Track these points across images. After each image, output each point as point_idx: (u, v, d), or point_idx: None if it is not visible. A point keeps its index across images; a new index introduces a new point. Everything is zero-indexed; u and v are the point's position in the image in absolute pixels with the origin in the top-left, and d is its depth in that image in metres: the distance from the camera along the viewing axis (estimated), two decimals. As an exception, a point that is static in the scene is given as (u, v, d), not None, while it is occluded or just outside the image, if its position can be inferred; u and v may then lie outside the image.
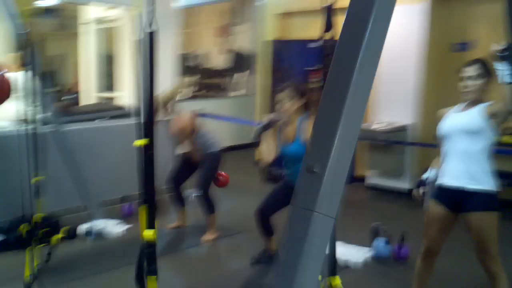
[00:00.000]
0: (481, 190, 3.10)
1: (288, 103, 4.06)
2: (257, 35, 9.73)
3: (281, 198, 4.28)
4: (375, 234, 4.68)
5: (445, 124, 3.23)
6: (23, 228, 4.20)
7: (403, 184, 6.51)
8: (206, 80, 9.97)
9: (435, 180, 3.36)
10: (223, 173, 5.20)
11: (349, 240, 4.88)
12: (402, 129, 6.35)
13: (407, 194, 6.47)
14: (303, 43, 7.19)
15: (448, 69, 6.38)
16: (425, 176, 3.42)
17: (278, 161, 4.29)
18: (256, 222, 4.42)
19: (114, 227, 5.38)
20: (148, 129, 3.41)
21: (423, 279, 3.46)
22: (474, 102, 3.15)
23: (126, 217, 5.79)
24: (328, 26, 2.27)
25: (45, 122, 5.66)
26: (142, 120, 3.70)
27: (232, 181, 5.32)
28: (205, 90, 9.91)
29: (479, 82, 3.11)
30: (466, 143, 3.10)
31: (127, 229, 5.40)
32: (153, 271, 2.49)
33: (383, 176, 6.69)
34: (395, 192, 6.56)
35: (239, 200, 6.26)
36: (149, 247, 2.48)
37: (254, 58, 10.12)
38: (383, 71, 6.58)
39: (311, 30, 7.81)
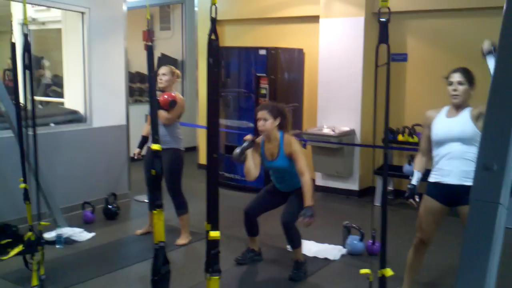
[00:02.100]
0: None
1: (269, 122, 4.34)
2: (190, 41, 9.81)
3: (268, 201, 4.59)
4: (348, 232, 5.00)
5: (440, 130, 3.56)
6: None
7: (352, 185, 6.94)
8: (137, 84, 9.87)
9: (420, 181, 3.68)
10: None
11: (317, 239, 5.20)
12: (350, 133, 6.77)
13: (356, 193, 6.93)
14: (243, 50, 7.38)
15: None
16: (413, 182, 3.67)
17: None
18: (244, 222, 4.60)
19: (80, 235, 5.27)
20: (155, 131, 3.47)
21: (415, 269, 3.81)
22: (459, 106, 3.52)
23: (88, 223, 5.69)
24: (383, 39, 2.47)
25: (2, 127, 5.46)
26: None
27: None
28: (137, 94, 9.82)
29: (465, 87, 3.50)
30: (462, 147, 3.45)
31: (94, 236, 5.32)
32: (218, 271, 2.57)
33: (330, 178, 7.07)
34: (344, 192, 6.97)
35: (194, 204, 6.29)
36: (215, 248, 2.56)
37: (184, 63, 10.19)
38: (330, 79, 6.99)
39: (244, 38, 8.09)
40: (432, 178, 3.63)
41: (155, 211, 3.17)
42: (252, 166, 4.36)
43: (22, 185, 4.04)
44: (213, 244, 2.58)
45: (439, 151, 3.58)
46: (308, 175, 4.24)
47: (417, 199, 3.63)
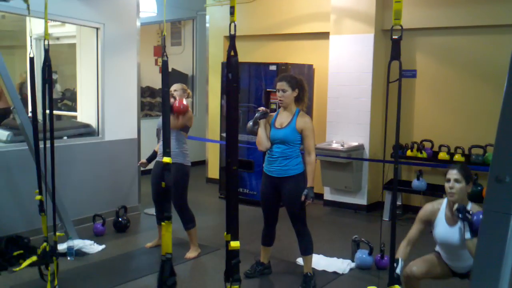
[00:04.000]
0: None
1: (288, 93, 4.39)
2: (200, 56, 9.93)
3: (271, 202, 4.56)
4: (357, 246, 5.03)
5: (440, 236, 3.56)
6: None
7: (360, 200, 6.97)
8: (147, 99, 9.97)
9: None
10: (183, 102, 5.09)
11: (326, 253, 5.22)
12: (359, 148, 6.82)
13: (364, 208, 6.96)
14: (254, 66, 7.46)
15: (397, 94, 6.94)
16: (397, 271, 3.40)
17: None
18: (263, 231, 4.69)
19: (91, 247, 5.32)
20: (167, 145, 3.50)
21: None
22: (455, 204, 3.44)
23: (98, 236, 5.74)
24: (395, 56, 2.53)
25: (13, 141, 5.55)
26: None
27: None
28: (147, 108, 9.93)
29: (461, 185, 3.45)
30: (463, 252, 3.47)
31: (104, 249, 5.37)
32: (238, 280, 2.61)
33: (339, 192, 7.10)
34: (352, 206, 7.00)
35: (202, 217, 6.34)
36: (235, 257, 2.60)
37: (194, 78, 10.30)
38: (339, 94, 7.06)
39: (254, 54, 8.17)
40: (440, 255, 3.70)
41: (163, 223, 3.21)
42: (264, 136, 4.45)
43: (38, 197, 4.10)
44: (233, 254, 2.63)
45: (442, 249, 3.66)
46: (314, 155, 4.38)
47: None
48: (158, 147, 5.26)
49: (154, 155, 5.40)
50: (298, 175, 4.38)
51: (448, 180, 3.49)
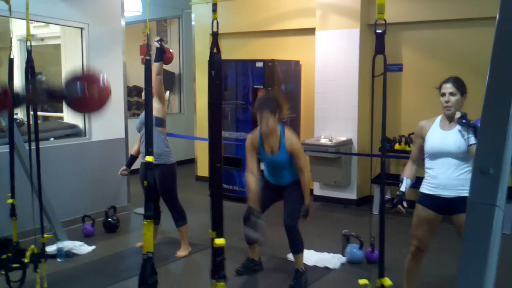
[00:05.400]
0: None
1: (271, 120, 4.28)
2: (187, 55, 9.90)
3: (264, 199, 4.52)
4: (347, 240, 5.04)
5: (434, 143, 3.56)
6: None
7: (350, 194, 6.99)
8: (134, 98, 9.93)
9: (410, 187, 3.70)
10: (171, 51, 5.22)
11: (316, 248, 5.23)
12: (347, 142, 6.83)
13: (354, 202, 6.98)
14: (241, 63, 7.45)
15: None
16: (402, 189, 3.67)
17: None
18: (245, 230, 4.56)
19: (81, 248, 5.30)
20: (150, 143, 3.50)
21: (413, 276, 3.85)
22: (452, 117, 3.52)
23: (88, 236, 5.71)
24: (379, 50, 2.53)
25: (-1, 142, 5.50)
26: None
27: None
28: (134, 108, 9.88)
29: (457, 97, 3.52)
30: (457, 161, 3.48)
31: (94, 249, 5.35)
32: (223, 277, 2.61)
33: (328, 187, 7.12)
34: (341, 201, 7.02)
35: (192, 216, 6.29)
36: (220, 255, 2.60)
37: (182, 77, 10.27)
38: (327, 89, 7.06)
39: (241, 51, 8.17)
40: (425, 190, 3.64)
41: (145, 222, 3.20)
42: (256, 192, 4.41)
43: (10, 201, 4.08)
44: (218, 251, 2.63)
45: (433, 164, 3.59)
46: (308, 172, 4.47)
47: (405, 205, 3.63)
48: (137, 148, 5.28)
49: (132, 159, 5.41)
50: (298, 180, 4.46)
51: (443, 94, 3.54)
